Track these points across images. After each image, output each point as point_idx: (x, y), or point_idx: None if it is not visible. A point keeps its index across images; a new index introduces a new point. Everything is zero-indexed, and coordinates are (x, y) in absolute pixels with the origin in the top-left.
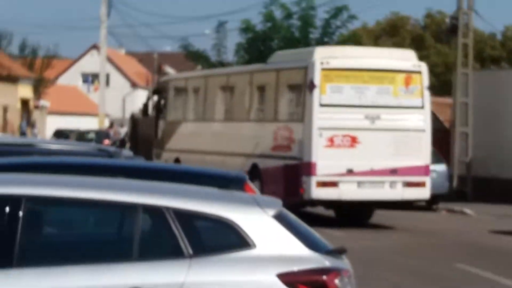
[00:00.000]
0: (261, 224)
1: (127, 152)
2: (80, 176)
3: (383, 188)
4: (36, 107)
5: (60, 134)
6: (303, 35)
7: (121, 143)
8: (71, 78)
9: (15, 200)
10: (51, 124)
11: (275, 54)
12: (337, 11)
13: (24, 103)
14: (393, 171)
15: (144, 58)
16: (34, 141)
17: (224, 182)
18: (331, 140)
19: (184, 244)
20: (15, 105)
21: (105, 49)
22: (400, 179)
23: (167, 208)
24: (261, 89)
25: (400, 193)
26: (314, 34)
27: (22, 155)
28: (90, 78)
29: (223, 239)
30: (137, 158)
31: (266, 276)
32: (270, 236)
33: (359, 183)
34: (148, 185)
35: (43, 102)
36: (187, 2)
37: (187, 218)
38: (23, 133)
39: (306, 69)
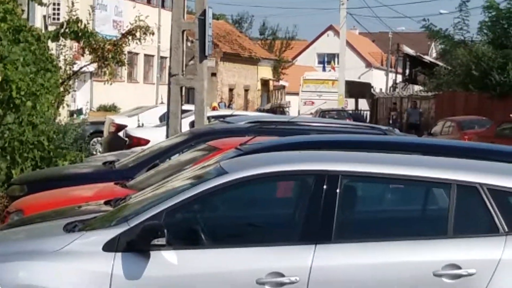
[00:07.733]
0: None
1: (397, 130)
2: (390, 153)
3: None
4: (275, 87)
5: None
6: None
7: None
8: (307, 59)
9: (332, 177)
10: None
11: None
12: None
13: (264, 83)
14: None
15: (378, 38)
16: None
17: None
18: (305, 102)
19: (499, 221)
20: (256, 85)
21: (344, 30)
22: None
23: (481, 185)
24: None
25: None
26: None
27: (293, 134)
28: (325, 59)
29: None
30: (410, 135)
31: None
32: None
33: None
34: (459, 162)
35: (282, 83)
36: None
37: (501, 195)
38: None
39: (301, 79)
